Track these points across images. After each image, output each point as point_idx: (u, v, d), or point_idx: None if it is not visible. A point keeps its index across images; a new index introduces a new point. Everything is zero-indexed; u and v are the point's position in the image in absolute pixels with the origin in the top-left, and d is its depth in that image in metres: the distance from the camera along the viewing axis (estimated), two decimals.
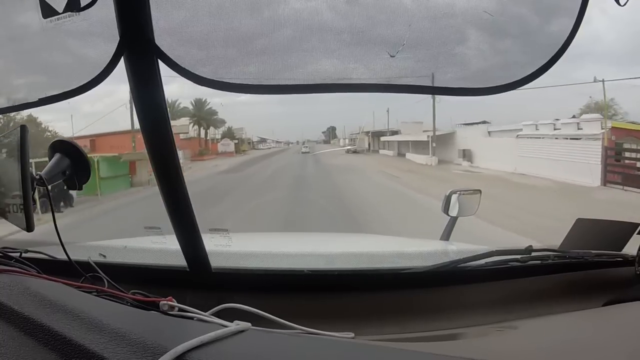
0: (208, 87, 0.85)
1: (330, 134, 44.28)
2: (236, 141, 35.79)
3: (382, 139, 34.76)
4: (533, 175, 16.41)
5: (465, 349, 0.94)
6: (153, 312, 0.84)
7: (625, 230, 1.22)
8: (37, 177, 0.90)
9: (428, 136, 24.44)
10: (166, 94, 0.89)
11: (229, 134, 35.43)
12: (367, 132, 36.99)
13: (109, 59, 0.83)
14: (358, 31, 0.83)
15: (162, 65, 0.84)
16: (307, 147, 37.80)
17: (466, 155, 22.59)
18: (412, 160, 25.82)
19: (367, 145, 37.56)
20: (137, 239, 1.66)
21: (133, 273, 1.16)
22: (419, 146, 26.52)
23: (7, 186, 0.90)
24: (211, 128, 34.76)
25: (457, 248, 1.81)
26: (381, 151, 34.29)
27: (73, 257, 1.01)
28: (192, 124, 31.93)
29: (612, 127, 16.32)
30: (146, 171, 16.49)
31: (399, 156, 29.79)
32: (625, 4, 0.81)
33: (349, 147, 36.98)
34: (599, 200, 12.02)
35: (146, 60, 0.84)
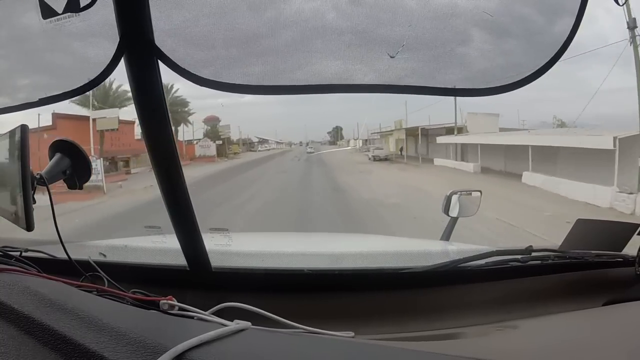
0: (210, 88, 0.85)
1: (337, 134, 37.10)
2: (220, 142, 26.49)
3: (441, 140, 20.62)
4: None
5: (466, 348, 0.94)
6: (153, 311, 0.84)
7: (625, 230, 1.22)
8: (38, 176, 0.90)
9: (615, 138, 10.82)
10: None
11: (212, 133, 26.35)
12: (416, 129, 22.44)
13: (109, 59, 0.84)
14: (361, 32, 0.83)
15: (162, 66, 0.84)
16: (311, 147, 32.29)
17: None
18: (553, 192, 11.87)
19: (393, 149, 25.30)
20: (138, 239, 1.66)
21: (133, 272, 1.17)
22: (547, 158, 13.31)
23: (7, 185, 0.90)
24: (205, 126, 26.27)
25: (458, 248, 1.81)
26: (437, 160, 20.47)
27: (73, 256, 1.02)
28: None
29: None
30: None
31: (484, 173, 16.58)
32: (624, 4, 0.81)
33: (375, 152, 24.52)
34: None
35: (146, 61, 0.84)
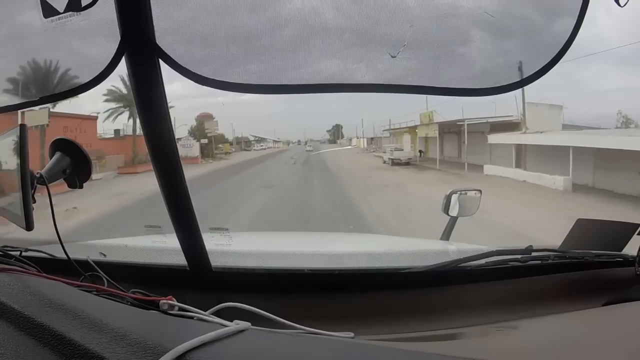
0: (209, 86, 0.85)
1: (337, 132, 33.91)
2: (205, 141, 23.02)
3: (497, 139, 15.50)
4: None
5: (466, 348, 0.94)
6: (153, 311, 0.84)
7: (625, 230, 1.22)
8: (38, 175, 0.90)
9: None
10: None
11: (198, 131, 22.91)
12: (456, 124, 17.30)
13: (110, 58, 0.84)
14: (360, 31, 0.83)
15: (163, 64, 0.84)
16: (310, 146, 30.04)
17: None
18: None
19: (409, 149, 20.05)
20: (137, 238, 1.66)
21: (133, 272, 1.16)
22: None
23: (6, 185, 0.90)
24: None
25: (458, 248, 1.81)
26: (490, 168, 15.29)
27: (73, 255, 1.01)
28: (115, 114, 19.53)
29: None
30: None
31: (578, 192, 11.76)
32: (625, 5, 0.81)
33: (395, 154, 19.02)
34: None
35: (147, 60, 0.84)
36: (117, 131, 19.98)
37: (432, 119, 18.48)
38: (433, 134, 18.68)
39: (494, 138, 15.75)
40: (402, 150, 19.93)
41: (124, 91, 18.73)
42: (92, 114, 17.98)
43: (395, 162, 18.53)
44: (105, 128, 19.72)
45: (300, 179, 15.61)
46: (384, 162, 19.37)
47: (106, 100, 19.16)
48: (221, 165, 20.67)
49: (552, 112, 15.16)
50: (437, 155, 18.03)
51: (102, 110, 18.86)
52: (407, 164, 18.40)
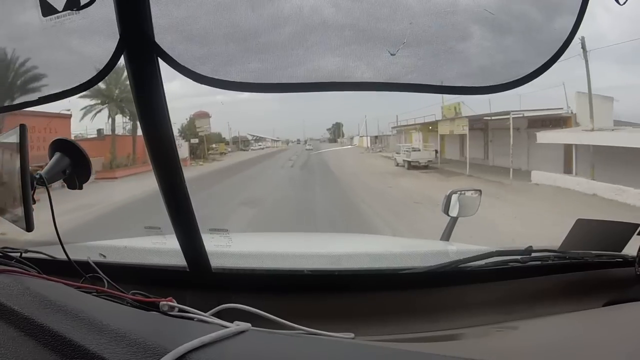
0: (208, 85, 0.85)
1: (337, 131, 32.07)
2: (196, 140, 21.24)
3: (546, 138, 12.78)
4: None
5: (466, 349, 0.94)
6: (153, 312, 0.84)
7: (625, 230, 1.22)
8: (37, 176, 0.90)
9: None
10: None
11: (189, 130, 21.01)
12: (502, 118, 13.78)
13: (109, 57, 0.83)
14: (360, 28, 0.83)
15: (162, 63, 0.84)
16: (310, 145, 28.67)
17: None
18: None
19: (422, 150, 17.26)
20: (137, 239, 1.66)
21: (133, 273, 1.16)
22: None
23: (7, 186, 0.90)
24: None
25: (458, 248, 1.81)
26: (540, 175, 12.23)
27: (73, 257, 1.01)
28: (94, 112, 17.37)
29: None
30: None
31: None
32: (624, 3, 0.81)
33: (413, 156, 16.43)
34: None
35: (146, 58, 0.84)
36: (99, 131, 18.15)
37: (460, 112, 15.32)
38: (461, 131, 15.40)
39: (546, 137, 12.43)
40: (418, 150, 17.22)
41: (102, 86, 16.13)
42: (64, 112, 15.61)
43: (412, 166, 15.95)
44: (85, 127, 17.92)
45: (298, 191, 12.39)
46: (397, 164, 16.89)
47: (81, 96, 16.42)
48: (211, 168, 18.80)
49: (605, 105, 12.16)
50: (466, 158, 14.90)
51: (77, 108, 16.90)
52: (426, 167, 15.89)
